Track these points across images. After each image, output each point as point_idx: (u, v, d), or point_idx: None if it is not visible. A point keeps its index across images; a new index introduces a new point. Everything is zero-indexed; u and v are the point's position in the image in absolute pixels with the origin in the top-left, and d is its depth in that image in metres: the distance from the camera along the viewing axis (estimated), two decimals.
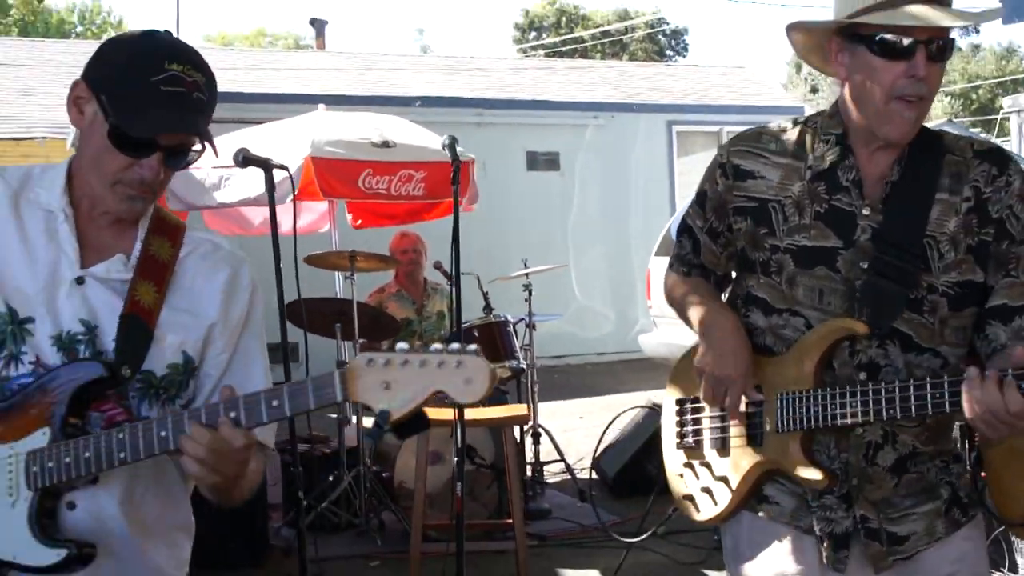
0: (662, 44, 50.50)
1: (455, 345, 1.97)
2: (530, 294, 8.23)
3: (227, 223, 9.11)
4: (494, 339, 7.35)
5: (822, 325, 2.58)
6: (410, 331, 8.09)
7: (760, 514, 2.70)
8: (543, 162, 15.44)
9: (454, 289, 8.28)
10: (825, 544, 2.63)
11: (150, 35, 2.29)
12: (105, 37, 45.53)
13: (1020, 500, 2.69)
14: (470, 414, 5.25)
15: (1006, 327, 2.55)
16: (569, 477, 7.99)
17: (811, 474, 2.56)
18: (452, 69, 20.15)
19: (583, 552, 6.68)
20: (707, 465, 2.79)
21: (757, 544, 2.71)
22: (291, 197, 7.75)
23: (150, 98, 2.19)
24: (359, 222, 9.46)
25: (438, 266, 8.03)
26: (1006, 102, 22.03)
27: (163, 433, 2.11)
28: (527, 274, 8.25)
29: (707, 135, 16.71)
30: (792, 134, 2.70)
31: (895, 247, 2.56)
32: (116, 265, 2.30)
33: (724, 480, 2.73)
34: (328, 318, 7.08)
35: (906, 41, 2.46)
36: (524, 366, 7.69)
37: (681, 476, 2.87)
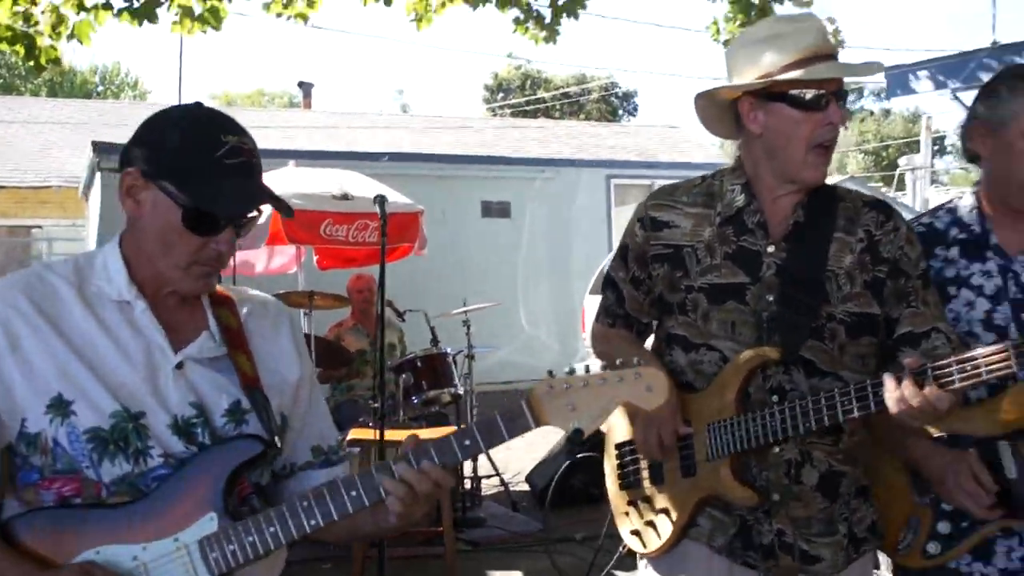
0: (615, 105, 50.72)
1: (630, 360, 1.97)
2: (468, 328, 8.29)
3: None
4: (435, 368, 7.44)
5: (737, 357, 2.52)
6: (363, 360, 8.13)
7: (689, 539, 2.64)
8: (496, 210, 15.45)
9: (400, 322, 8.42)
10: (757, 553, 2.57)
11: (192, 111, 2.07)
12: (123, 97, 44.87)
13: (892, 531, 2.75)
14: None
15: (915, 350, 2.52)
16: (503, 490, 8.00)
17: (743, 493, 2.50)
18: (418, 128, 20.25)
19: (510, 556, 6.69)
20: (648, 500, 2.72)
21: (680, 565, 2.66)
22: (264, 241, 7.86)
23: (220, 175, 1.98)
24: (324, 264, 9.45)
25: (389, 303, 8.06)
26: (902, 161, 22.44)
27: (353, 493, 1.97)
28: (465, 311, 8.34)
29: (641, 187, 16.80)
30: (702, 187, 2.67)
31: (799, 281, 2.53)
32: (207, 343, 2.09)
33: (665, 512, 2.66)
34: None
35: (821, 94, 2.45)
36: (462, 391, 7.75)
37: (626, 514, 2.80)
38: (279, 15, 7.23)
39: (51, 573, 1.91)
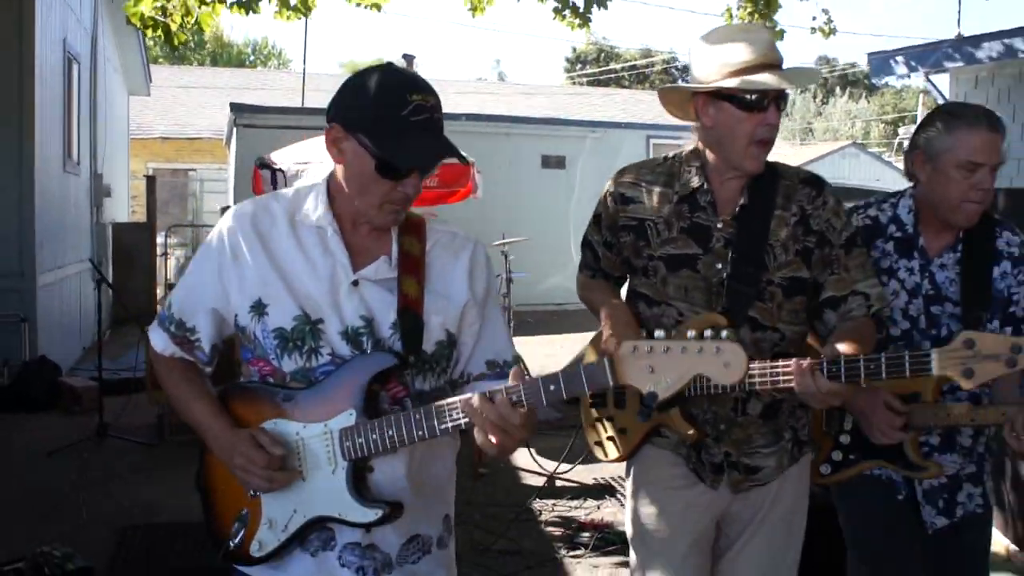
0: (675, 76, 50.07)
1: (712, 332, 1.75)
2: (507, 257, 8.57)
3: None
4: None
5: (693, 319, 2.48)
6: None
7: (654, 445, 2.63)
8: (553, 162, 15.64)
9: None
10: (706, 469, 2.57)
11: (385, 71, 2.00)
12: (269, 65, 45.36)
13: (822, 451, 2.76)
14: None
15: (835, 312, 2.52)
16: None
17: (686, 429, 2.50)
18: (495, 93, 20.43)
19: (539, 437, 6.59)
20: (611, 419, 2.71)
21: (651, 466, 2.65)
22: None
23: (405, 131, 1.93)
24: None
25: None
26: (901, 131, 22.11)
27: (455, 414, 1.90)
28: (503, 243, 8.62)
29: (675, 147, 16.85)
30: (664, 167, 2.61)
31: (744, 255, 2.50)
32: (382, 266, 2.05)
33: (623, 432, 2.67)
34: None
35: (762, 98, 2.40)
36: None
37: (593, 427, 2.79)
38: (358, 4, 7.45)
39: (234, 432, 2.01)
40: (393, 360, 1.95)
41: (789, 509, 2.64)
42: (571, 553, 4.81)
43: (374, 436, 1.93)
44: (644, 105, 20.97)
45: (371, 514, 1.95)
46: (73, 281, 9.82)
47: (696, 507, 2.60)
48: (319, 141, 8.75)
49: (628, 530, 2.75)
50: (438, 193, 8.62)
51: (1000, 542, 4.65)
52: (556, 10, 8.69)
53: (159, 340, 2.14)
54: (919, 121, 2.74)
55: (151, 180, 14.14)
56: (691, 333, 1.74)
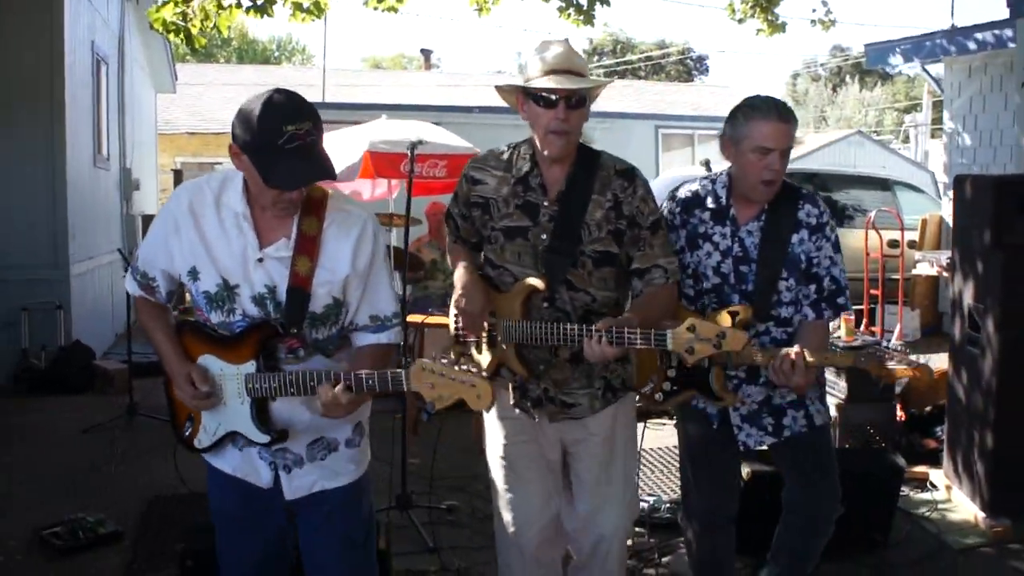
0: (689, 66, 49.91)
1: (472, 370, 2.26)
2: None
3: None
4: None
5: (521, 281, 2.90)
6: (435, 267, 8.56)
7: (499, 377, 3.01)
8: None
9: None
10: (528, 403, 3.03)
11: (267, 103, 2.28)
12: (293, 61, 45.50)
13: (640, 381, 3.23)
14: None
15: (640, 280, 2.95)
16: None
17: (519, 368, 2.94)
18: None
19: None
20: (468, 354, 3.08)
21: (496, 408, 3.08)
22: (357, 175, 8.42)
23: (280, 157, 2.26)
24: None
25: None
26: (907, 118, 22.18)
27: (311, 383, 2.40)
28: None
29: (684, 136, 16.94)
30: (505, 155, 3.00)
31: (563, 231, 2.88)
32: (281, 247, 2.45)
33: (478, 365, 2.88)
34: None
35: (553, 97, 2.77)
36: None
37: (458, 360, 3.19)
38: (375, 8, 7.63)
39: (180, 363, 2.52)
40: (278, 329, 2.45)
41: (608, 435, 3.07)
42: None
43: (266, 384, 2.44)
44: (655, 96, 21.04)
45: (264, 437, 2.50)
46: (105, 270, 10.10)
47: (522, 432, 3.08)
48: (335, 135, 9.03)
49: (488, 458, 3.24)
50: (444, 183, 8.84)
51: (969, 509, 4.81)
52: (560, 8, 8.77)
53: (131, 286, 2.67)
54: (730, 111, 3.14)
55: (178, 173, 14.47)
56: (465, 367, 2.26)
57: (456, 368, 2.25)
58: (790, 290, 3.12)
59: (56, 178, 8.40)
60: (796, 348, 2.90)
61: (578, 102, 2.80)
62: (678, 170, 11.07)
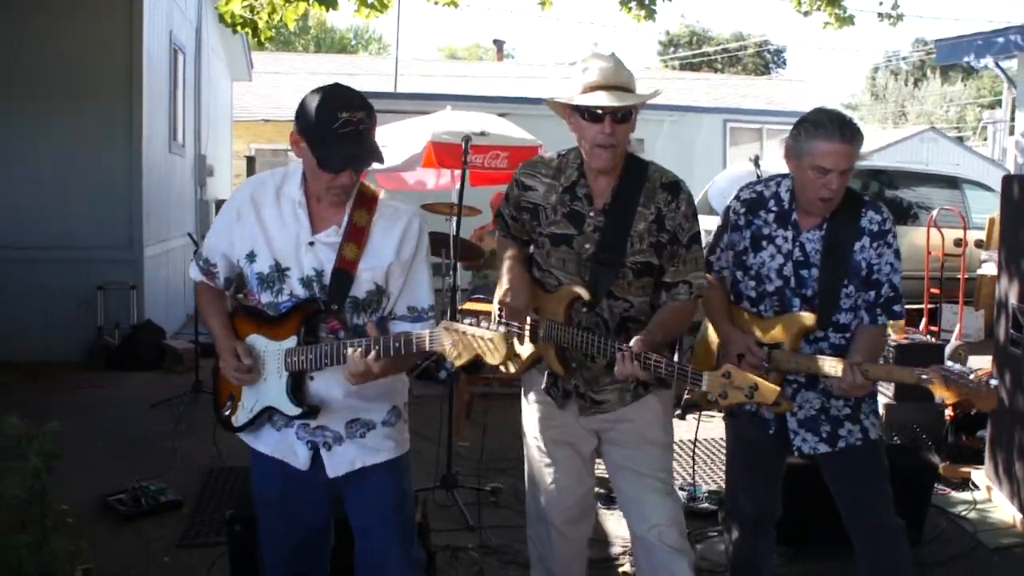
0: (767, 59, 49.23)
1: (492, 328, 2.34)
2: None
3: (390, 182, 9.90)
4: None
5: (567, 286, 2.95)
6: (495, 257, 8.68)
7: (535, 370, 3.13)
8: (633, 143, 15.80)
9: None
10: (559, 393, 3.09)
11: (326, 93, 2.51)
12: (369, 50, 45.78)
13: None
14: None
15: (667, 293, 2.99)
16: None
17: (557, 367, 2.99)
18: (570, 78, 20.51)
19: None
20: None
21: (530, 386, 3.20)
22: (419, 165, 8.59)
23: (333, 140, 2.47)
24: (474, 183, 10.01)
25: None
26: (985, 115, 21.62)
27: (344, 352, 2.51)
28: None
29: (752, 131, 16.79)
30: (554, 163, 3.05)
31: (608, 243, 2.93)
32: (331, 233, 2.64)
33: (518, 356, 3.09)
34: (436, 245, 7.81)
35: (599, 112, 2.80)
36: None
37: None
38: (436, 3, 7.80)
39: (228, 340, 2.70)
40: (320, 306, 2.62)
41: (639, 424, 3.07)
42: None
43: (303, 357, 2.60)
44: (727, 89, 20.88)
45: (296, 410, 2.65)
46: (178, 253, 10.48)
47: (553, 416, 3.14)
48: (402, 125, 9.23)
49: (524, 440, 3.30)
50: (506, 174, 8.97)
51: (1008, 510, 4.82)
52: (622, 2, 8.86)
53: (194, 271, 2.88)
54: (796, 120, 3.10)
55: (251, 160, 14.86)
56: (483, 323, 2.35)
57: (475, 327, 2.34)
58: (850, 296, 3.12)
59: (133, 163, 8.77)
60: (858, 359, 2.91)
61: (624, 116, 2.84)
62: (741, 165, 11.01)
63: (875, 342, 3.16)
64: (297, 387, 2.66)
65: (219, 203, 13.69)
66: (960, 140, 28.03)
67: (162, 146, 9.96)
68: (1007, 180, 5.02)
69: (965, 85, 44.99)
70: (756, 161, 5.87)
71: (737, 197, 3.29)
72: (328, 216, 2.65)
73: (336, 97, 2.51)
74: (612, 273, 2.94)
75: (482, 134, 8.58)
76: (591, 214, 2.96)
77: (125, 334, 8.57)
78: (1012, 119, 12.83)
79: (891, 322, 3.25)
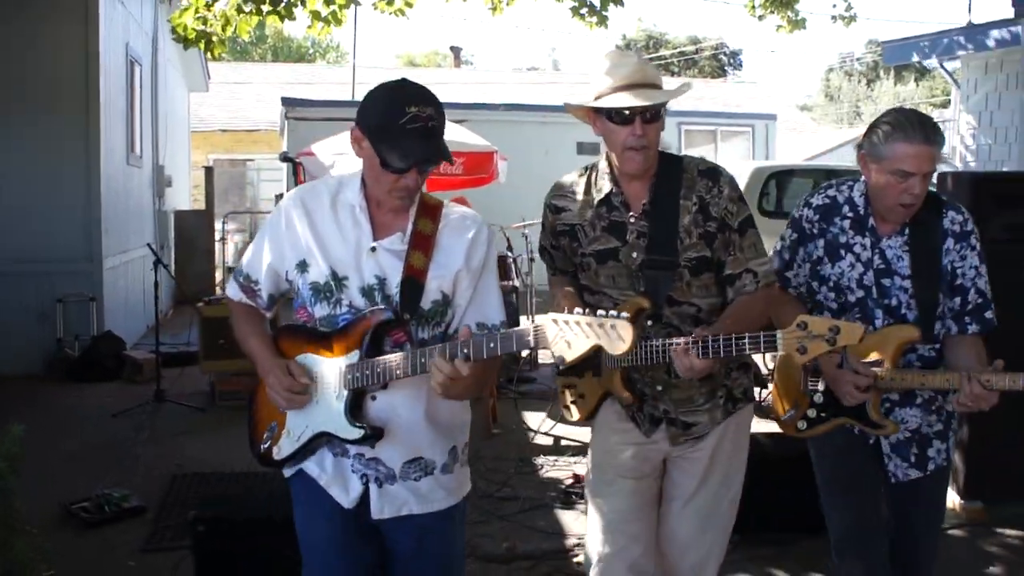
0: (723, 61, 49.74)
1: (613, 312, 2.00)
2: (527, 239, 8.97)
3: None
4: (498, 266, 8.01)
5: (625, 303, 2.65)
6: None
7: (609, 405, 2.89)
8: (588, 148, 15.77)
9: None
10: (645, 419, 2.84)
11: (392, 87, 2.32)
12: (327, 59, 45.43)
13: (781, 406, 3.08)
14: None
15: (732, 287, 2.77)
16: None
17: (624, 395, 2.78)
18: (536, 83, 20.74)
19: (546, 403, 6.87)
20: (573, 386, 2.95)
21: (605, 421, 2.92)
22: None
23: (400, 136, 2.25)
24: (430, 188, 10.13)
25: None
26: (935, 115, 22.12)
27: (422, 360, 2.25)
28: (524, 225, 9.01)
29: (706, 133, 17.05)
30: (581, 181, 2.88)
31: (656, 244, 2.74)
32: (395, 240, 2.40)
33: (582, 397, 2.93)
34: None
35: (627, 113, 2.64)
36: (519, 285, 8.40)
37: (562, 392, 3.02)
38: (383, 12, 7.87)
39: (274, 360, 2.44)
40: (391, 315, 2.34)
41: (727, 462, 2.91)
42: (564, 501, 5.22)
43: (367, 371, 2.32)
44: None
45: (356, 432, 2.35)
46: (137, 264, 10.47)
47: (638, 454, 2.87)
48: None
49: (587, 475, 3.05)
50: (462, 180, 9.11)
51: (949, 496, 5.02)
52: (573, 9, 8.92)
53: (233, 290, 2.60)
54: (871, 122, 2.94)
55: (209, 171, 14.84)
56: (600, 312, 2.00)
57: (590, 315, 2.04)
58: (938, 304, 2.94)
59: (90, 176, 8.79)
60: (982, 374, 2.71)
61: (653, 115, 2.69)
62: None
63: (977, 351, 2.90)
64: (357, 406, 2.39)
65: (178, 214, 13.70)
66: None
67: (120, 158, 9.98)
68: (941, 177, 5.23)
69: (918, 85, 45.72)
70: None
71: (808, 204, 3.08)
72: (391, 223, 2.43)
73: (404, 91, 2.31)
74: (669, 275, 2.74)
75: None
76: (631, 220, 2.79)
77: (85, 345, 8.59)
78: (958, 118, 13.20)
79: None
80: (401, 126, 2.24)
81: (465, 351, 2.18)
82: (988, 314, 2.92)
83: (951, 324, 2.93)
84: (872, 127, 2.88)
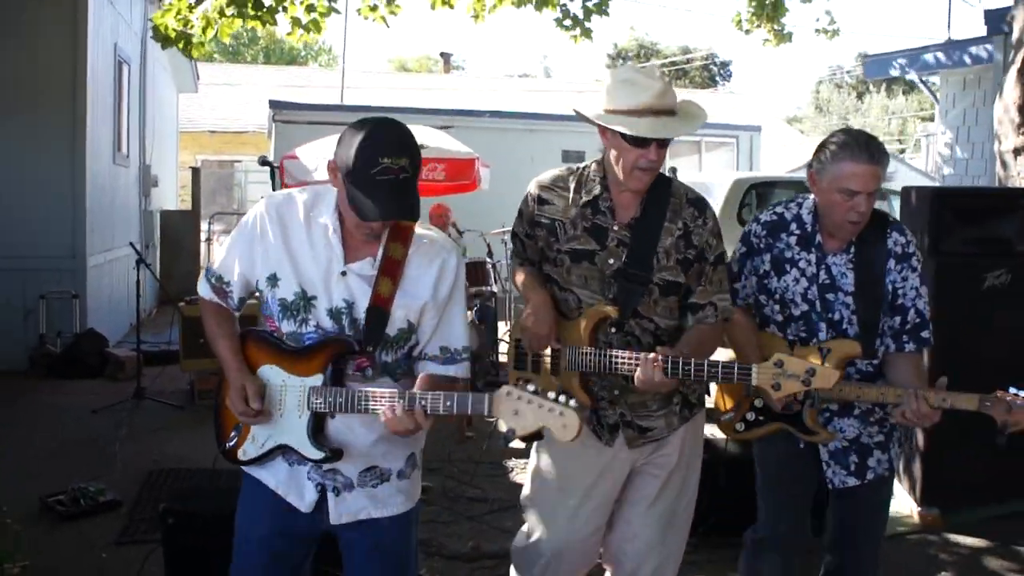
0: (713, 72, 49.99)
1: (563, 398, 2.14)
2: (505, 244, 8.92)
3: None
4: (476, 272, 8.05)
5: (591, 308, 2.80)
6: None
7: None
8: (573, 156, 15.82)
9: (460, 237, 9.18)
10: (604, 429, 2.89)
11: (371, 132, 2.27)
12: (318, 61, 45.31)
13: (722, 407, 3.21)
14: None
15: (694, 315, 2.86)
16: None
17: (583, 398, 2.79)
18: (526, 90, 20.85)
19: None
20: (528, 381, 2.95)
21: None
22: None
23: (370, 187, 2.24)
24: None
25: (453, 224, 9.15)
26: (919, 128, 22.36)
27: (382, 405, 2.29)
28: (503, 231, 8.93)
29: (688, 143, 17.15)
30: (572, 178, 2.91)
31: (635, 259, 2.81)
32: (366, 265, 2.41)
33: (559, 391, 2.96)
34: None
35: (645, 138, 2.68)
36: (496, 290, 8.45)
37: (516, 383, 3.09)
38: (366, 18, 7.99)
39: (239, 374, 2.44)
40: (354, 347, 2.39)
41: (685, 465, 3.01)
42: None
43: (330, 399, 2.37)
44: None
45: (317, 454, 2.42)
46: (121, 263, 10.55)
47: (593, 464, 2.92)
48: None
49: (525, 488, 3.07)
50: (444, 186, 9.21)
51: (906, 502, 5.13)
52: (557, 20, 9.06)
53: (204, 289, 2.60)
54: (820, 141, 3.03)
55: (195, 172, 14.91)
56: (551, 395, 2.15)
57: (543, 397, 2.16)
58: (879, 322, 3.02)
59: (76, 174, 8.87)
60: (920, 389, 2.80)
61: (664, 141, 2.74)
62: (682, 177, 11.35)
63: (917, 368, 3.01)
64: (319, 429, 2.44)
65: (164, 214, 13.77)
66: (902, 152, 28.66)
67: (107, 157, 10.06)
68: (905, 191, 5.35)
69: (907, 98, 46.04)
70: (674, 172, 6.17)
71: (757, 220, 3.18)
72: (361, 246, 2.44)
73: (380, 139, 2.27)
74: (640, 290, 2.82)
75: (420, 147, 8.72)
76: (615, 228, 2.84)
77: (67, 342, 8.66)
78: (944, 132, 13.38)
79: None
80: (372, 176, 2.23)
81: (423, 403, 2.26)
82: (925, 333, 3.01)
83: (889, 342, 3.02)
84: (821, 146, 2.96)
